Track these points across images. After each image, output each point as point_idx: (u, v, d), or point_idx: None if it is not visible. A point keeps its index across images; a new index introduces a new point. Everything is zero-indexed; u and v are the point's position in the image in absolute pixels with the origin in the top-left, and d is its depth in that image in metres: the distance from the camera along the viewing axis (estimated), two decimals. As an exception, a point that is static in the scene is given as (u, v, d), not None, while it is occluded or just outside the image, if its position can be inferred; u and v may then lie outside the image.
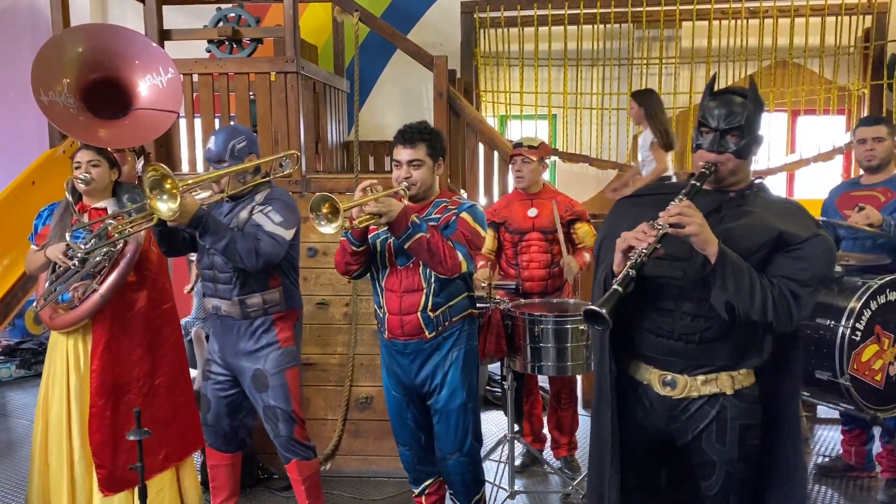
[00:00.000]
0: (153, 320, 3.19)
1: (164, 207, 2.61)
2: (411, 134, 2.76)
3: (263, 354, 2.99)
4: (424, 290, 2.77)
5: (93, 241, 2.94)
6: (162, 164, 2.63)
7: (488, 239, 3.81)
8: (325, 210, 2.48)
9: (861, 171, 3.69)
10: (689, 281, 1.98)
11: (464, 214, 2.76)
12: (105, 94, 3.40)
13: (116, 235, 2.87)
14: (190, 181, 2.76)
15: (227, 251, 2.80)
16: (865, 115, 5.90)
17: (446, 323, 2.82)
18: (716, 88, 2.10)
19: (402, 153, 2.77)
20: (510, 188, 4.85)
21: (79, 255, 2.92)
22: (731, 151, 2.00)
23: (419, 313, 2.78)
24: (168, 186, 2.59)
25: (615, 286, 1.85)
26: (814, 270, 1.92)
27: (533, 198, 3.84)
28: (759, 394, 2.09)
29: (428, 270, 2.73)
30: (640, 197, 2.25)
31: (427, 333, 2.80)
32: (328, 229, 2.48)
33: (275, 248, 2.86)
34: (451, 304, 2.82)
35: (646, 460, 2.19)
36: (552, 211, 3.74)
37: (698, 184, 1.99)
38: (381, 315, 2.88)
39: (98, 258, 2.96)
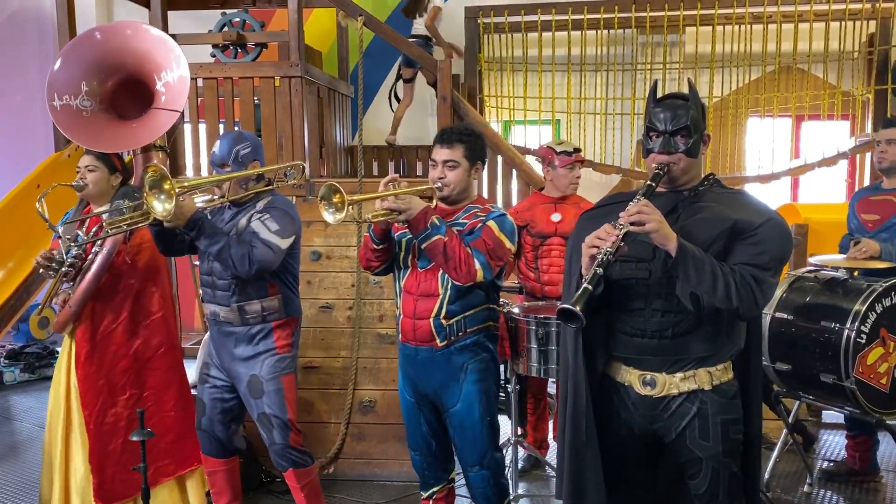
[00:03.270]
0: (140, 331, 3.17)
1: (160, 207, 2.62)
2: (450, 134, 2.74)
3: (260, 360, 2.97)
4: (440, 297, 2.70)
5: (71, 247, 2.96)
6: (161, 166, 2.65)
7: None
8: (335, 200, 2.46)
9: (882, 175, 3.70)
10: (655, 279, 2.07)
11: (490, 222, 2.69)
12: (128, 96, 3.27)
13: (111, 231, 2.87)
14: (187, 184, 2.75)
15: (220, 256, 2.80)
16: (870, 120, 5.91)
17: (460, 333, 2.72)
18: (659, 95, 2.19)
19: (439, 153, 2.73)
20: (514, 193, 4.86)
21: (67, 259, 2.96)
22: (681, 151, 2.10)
23: (431, 319, 2.71)
24: (167, 187, 2.61)
25: (585, 285, 1.92)
26: (771, 253, 2.01)
27: (557, 202, 3.78)
28: (738, 390, 2.15)
29: (446, 276, 2.67)
30: (600, 208, 2.34)
31: (438, 342, 2.72)
32: (331, 219, 2.46)
33: (268, 255, 2.82)
34: (467, 314, 2.72)
35: (636, 461, 2.22)
36: (576, 217, 3.70)
37: (653, 184, 2.09)
38: (398, 316, 2.84)
39: (65, 267, 2.99)
